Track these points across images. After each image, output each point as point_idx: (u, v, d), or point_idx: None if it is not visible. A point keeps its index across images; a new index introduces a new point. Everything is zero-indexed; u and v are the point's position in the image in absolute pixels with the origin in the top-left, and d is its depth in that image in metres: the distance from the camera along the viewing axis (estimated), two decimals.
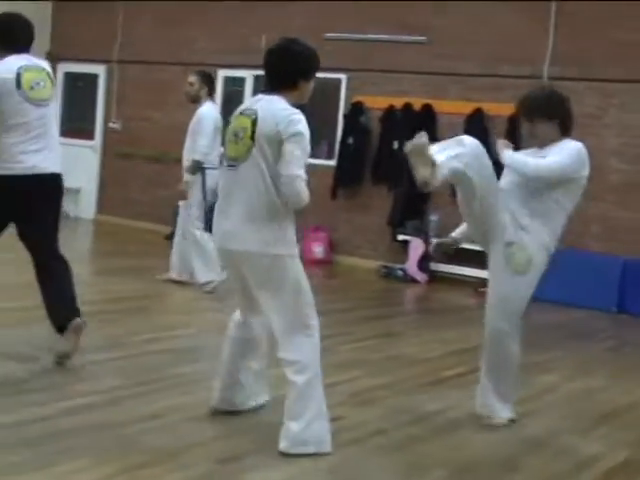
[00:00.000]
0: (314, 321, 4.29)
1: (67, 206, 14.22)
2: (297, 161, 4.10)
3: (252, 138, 4.14)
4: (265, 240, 4.20)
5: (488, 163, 4.78)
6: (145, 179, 13.54)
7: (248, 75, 12.45)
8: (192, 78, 8.44)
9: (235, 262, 4.36)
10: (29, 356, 5.48)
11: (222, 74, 12.70)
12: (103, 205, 14.18)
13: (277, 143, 4.11)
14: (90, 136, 14.18)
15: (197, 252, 8.26)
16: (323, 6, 11.94)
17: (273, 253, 4.21)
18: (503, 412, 5.00)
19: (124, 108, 13.92)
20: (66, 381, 5.00)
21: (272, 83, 4.28)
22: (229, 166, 4.30)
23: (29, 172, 5.33)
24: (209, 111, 8.31)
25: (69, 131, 14.40)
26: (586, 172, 4.87)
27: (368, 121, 11.54)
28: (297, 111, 4.19)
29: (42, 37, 14.44)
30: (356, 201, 11.68)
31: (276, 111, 4.14)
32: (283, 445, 4.21)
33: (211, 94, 8.56)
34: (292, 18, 12.12)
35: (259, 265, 4.23)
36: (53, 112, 5.64)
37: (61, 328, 5.34)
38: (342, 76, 11.75)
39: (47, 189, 5.46)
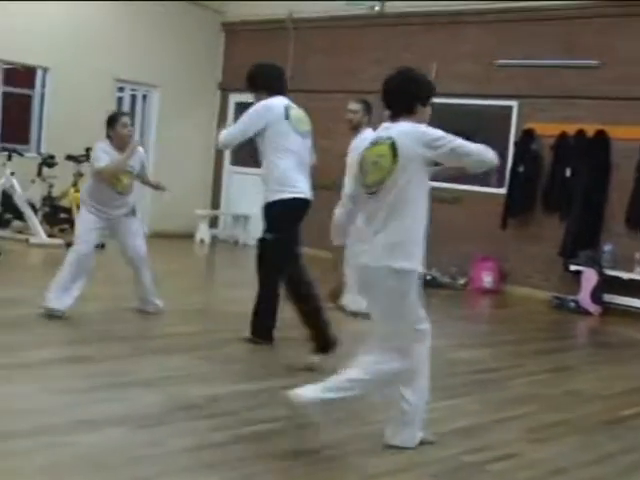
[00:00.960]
0: None
1: (237, 233, 14.57)
2: (462, 147, 4.32)
3: (394, 162, 4.31)
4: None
5: None
6: (319, 207, 13.63)
7: None
8: (356, 106, 8.41)
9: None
10: (207, 381, 5.58)
11: None
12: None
13: (420, 159, 4.31)
14: (260, 164, 14.40)
15: None
16: (493, 31, 11.80)
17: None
18: None
19: None
20: (243, 408, 5.04)
21: (392, 109, 4.51)
22: (369, 194, 4.44)
23: (302, 196, 6.39)
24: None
25: (239, 159, 14.78)
26: None
27: (539, 148, 11.29)
28: (422, 125, 4.42)
29: (214, 69, 14.88)
30: (527, 230, 11.42)
31: (409, 131, 4.35)
32: None
33: (369, 122, 8.54)
34: (461, 45, 12.05)
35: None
36: (308, 145, 6.57)
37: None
38: (513, 103, 11.56)
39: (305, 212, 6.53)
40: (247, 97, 14.79)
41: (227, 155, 14.99)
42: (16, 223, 12.38)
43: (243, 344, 6.82)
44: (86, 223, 7.31)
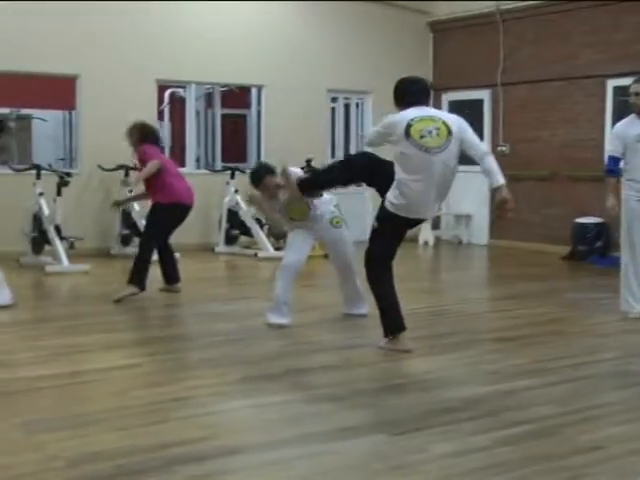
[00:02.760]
0: None
1: (460, 232, 14.38)
2: None
3: None
4: None
5: None
6: (535, 200, 13.29)
7: None
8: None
9: None
10: (461, 383, 5.46)
11: (611, 84, 12.18)
12: (495, 229, 14.09)
13: None
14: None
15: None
16: None
17: None
18: None
19: (511, 130, 13.79)
20: (497, 409, 4.87)
21: None
22: None
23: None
24: None
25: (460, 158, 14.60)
26: None
27: None
28: None
29: (425, 69, 14.76)
30: None
31: None
32: None
33: None
34: None
35: None
36: (445, 158, 6.04)
37: None
38: None
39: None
40: (460, 95, 14.72)
41: None
42: (243, 238, 12.69)
43: (486, 344, 6.66)
44: (296, 235, 7.44)
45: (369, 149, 7.02)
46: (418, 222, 6.37)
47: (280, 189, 7.14)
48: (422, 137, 5.94)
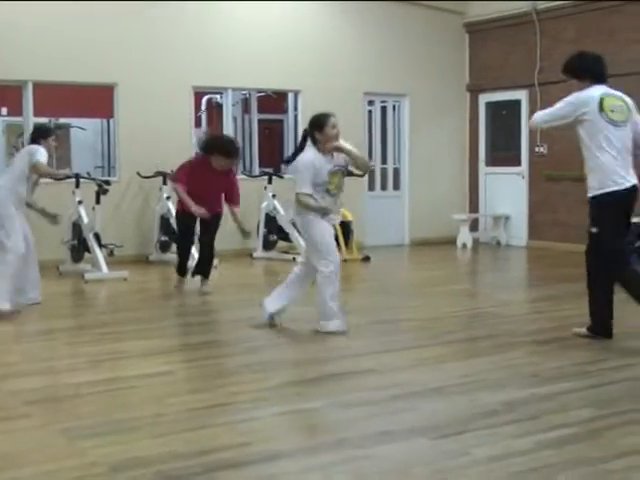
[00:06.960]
0: None
1: (498, 234, 14.30)
2: None
3: None
4: None
5: None
6: (573, 200, 13.17)
7: None
8: None
9: None
10: (500, 386, 5.41)
11: None
12: (533, 230, 13.99)
13: None
14: (516, 162, 14.11)
15: None
16: None
17: None
18: None
19: (548, 130, 13.62)
20: (538, 412, 4.82)
21: None
22: None
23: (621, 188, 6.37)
24: None
25: (495, 159, 14.55)
26: None
27: None
28: None
29: (461, 71, 14.75)
30: None
31: None
32: None
33: None
34: None
35: None
36: (629, 133, 6.47)
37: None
38: None
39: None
40: (497, 96, 14.59)
41: (482, 156, 14.75)
42: (281, 243, 12.70)
43: (525, 346, 6.61)
44: (327, 233, 7.16)
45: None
46: None
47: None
48: (612, 111, 6.35)
